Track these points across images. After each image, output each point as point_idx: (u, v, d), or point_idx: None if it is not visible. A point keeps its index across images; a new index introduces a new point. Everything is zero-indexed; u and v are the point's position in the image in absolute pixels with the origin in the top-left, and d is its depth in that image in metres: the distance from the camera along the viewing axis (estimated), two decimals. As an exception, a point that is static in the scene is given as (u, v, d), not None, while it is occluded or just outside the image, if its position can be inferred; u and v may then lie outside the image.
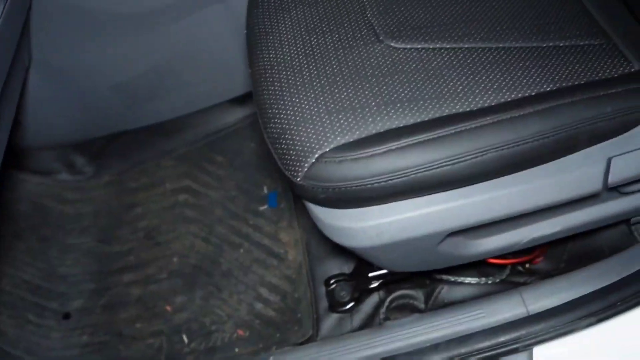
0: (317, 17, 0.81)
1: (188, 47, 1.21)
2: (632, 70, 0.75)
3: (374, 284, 1.00)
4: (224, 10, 1.14)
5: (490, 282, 0.98)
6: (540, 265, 1.01)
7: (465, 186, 0.68)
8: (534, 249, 0.99)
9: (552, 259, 1.02)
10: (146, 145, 1.40)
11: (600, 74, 0.74)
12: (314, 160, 0.67)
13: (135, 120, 1.36)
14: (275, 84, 0.76)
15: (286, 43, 0.79)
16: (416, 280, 1.01)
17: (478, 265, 1.00)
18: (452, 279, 1.00)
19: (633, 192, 0.79)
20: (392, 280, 1.00)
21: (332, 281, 1.02)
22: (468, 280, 0.99)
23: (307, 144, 0.68)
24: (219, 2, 1.12)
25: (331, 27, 0.79)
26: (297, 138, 0.69)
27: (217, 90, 1.32)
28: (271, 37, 0.81)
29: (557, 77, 0.73)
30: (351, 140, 0.66)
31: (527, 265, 1.01)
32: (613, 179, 0.71)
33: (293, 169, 0.69)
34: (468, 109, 0.69)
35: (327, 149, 0.66)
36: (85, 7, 1.08)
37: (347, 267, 1.07)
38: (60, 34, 1.12)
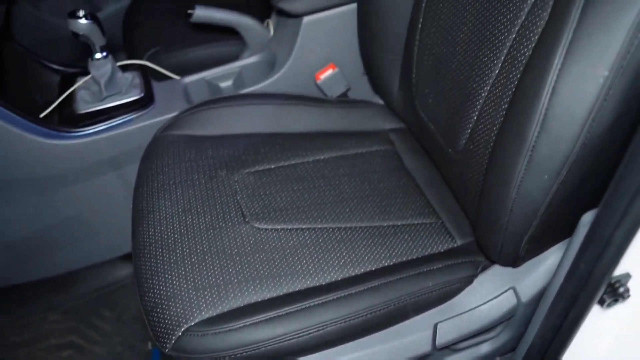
0: (194, 199, 0.93)
1: (81, 208, 1.29)
2: (455, 245, 0.91)
3: None
4: (118, 177, 1.25)
5: None
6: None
7: (312, 354, 0.78)
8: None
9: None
10: (33, 299, 1.42)
11: (429, 250, 0.90)
12: (180, 334, 0.75)
13: (23, 275, 1.39)
14: (152, 260, 0.85)
15: (164, 222, 0.90)
16: None
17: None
18: None
19: (464, 349, 0.93)
20: None
21: None
22: None
23: (175, 318, 0.77)
24: (113, 171, 1.23)
25: (205, 208, 0.92)
26: (167, 312, 0.78)
27: (109, 247, 1.39)
28: (152, 216, 0.92)
29: (394, 253, 0.88)
30: (214, 315, 0.76)
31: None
32: (440, 341, 0.84)
33: (162, 340, 0.77)
34: (317, 284, 0.81)
35: (192, 323, 0.76)
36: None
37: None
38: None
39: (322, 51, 1.19)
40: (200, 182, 0.97)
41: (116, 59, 1.72)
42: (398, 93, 1.09)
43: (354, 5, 1.11)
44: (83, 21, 1.10)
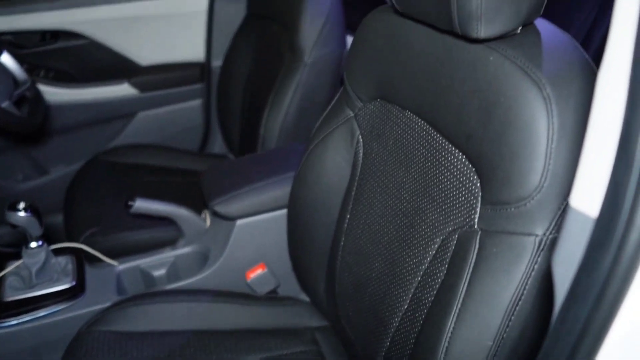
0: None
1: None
2: None
3: None
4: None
5: None
6: None
7: None
8: None
9: None
10: None
11: None
12: None
13: None
14: None
15: None
16: None
17: None
18: None
19: None
20: None
21: None
22: None
23: None
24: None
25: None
26: None
27: None
28: None
29: None
30: None
31: None
32: None
33: None
34: None
35: None
36: None
37: None
38: None
39: (253, 251, 1.26)
40: (119, 391, 0.96)
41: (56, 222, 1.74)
42: (323, 295, 1.14)
43: (284, 210, 1.20)
44: (22, 214, 1.14)
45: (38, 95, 1.55)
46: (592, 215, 0.45)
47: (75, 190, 1.63)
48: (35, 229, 1.17)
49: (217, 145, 1.99)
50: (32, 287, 1.21)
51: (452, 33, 0.72)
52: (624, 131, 0.43)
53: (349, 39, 1.68)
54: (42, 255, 1.21)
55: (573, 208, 0.47)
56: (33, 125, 1.44)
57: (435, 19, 0.72)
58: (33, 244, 1.19)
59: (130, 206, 1.28)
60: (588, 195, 0.46)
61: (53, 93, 1.81)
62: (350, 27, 1.69)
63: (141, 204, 1.28)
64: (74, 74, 1.91)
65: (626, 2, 0.41)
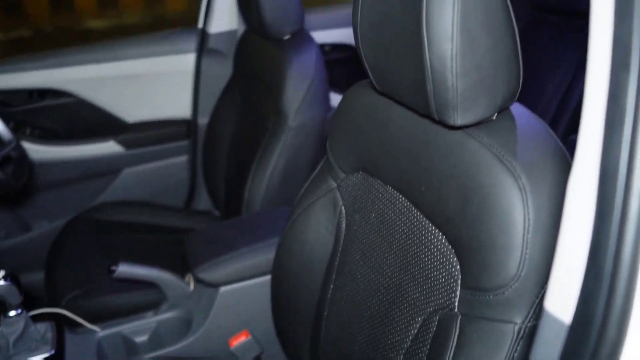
0: None
1: None
2: None
3: None
4: None
5: None
6: None
7: None
8: None
9: None
10: None
11: None
12: None
13: None
14: None
15: None
16: None
17: None
18: None
19: None
20: None
21: None
22: None
23: None
24: None
25: None
26: None
27: None
28: None
29: None
30: None
31: None
32: None
33: None
34: None
35: None
36: None
37: None
38: None
39: (236, 318, 1.25)
40: None
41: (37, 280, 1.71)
42: (308, 365, 1.13)
43: (268, 276, 1.19)
44: (1, 283, 1.12)
45: (23, 155, 1.55)
46: (566, 322, 0.45)
47: (58, 251, 1.61)
48: (15, 297, 1.15)
49: (203, 201, 1.99)
50: (8, 358, 1.18)
51: (430, 117, 0.74)
52: (593, 240, 0.43)
53: (333, 96, 1.72)
54: (21, 324, 1.18)
55: (548, 312, 0.47)
56: (16, 187, 1.43)
57: (413, 103, 0.74)
58: (12, 313, 1.17)
59: (113, 271, 1.27)
60: (562, 301, 0.46)
61: (38, 151, 1.81)
62: (334, 84, 1.72)
63: (124, 269, 1.27)
64: (60, 131, 1.91)
65: (592, 123, 0.43)
